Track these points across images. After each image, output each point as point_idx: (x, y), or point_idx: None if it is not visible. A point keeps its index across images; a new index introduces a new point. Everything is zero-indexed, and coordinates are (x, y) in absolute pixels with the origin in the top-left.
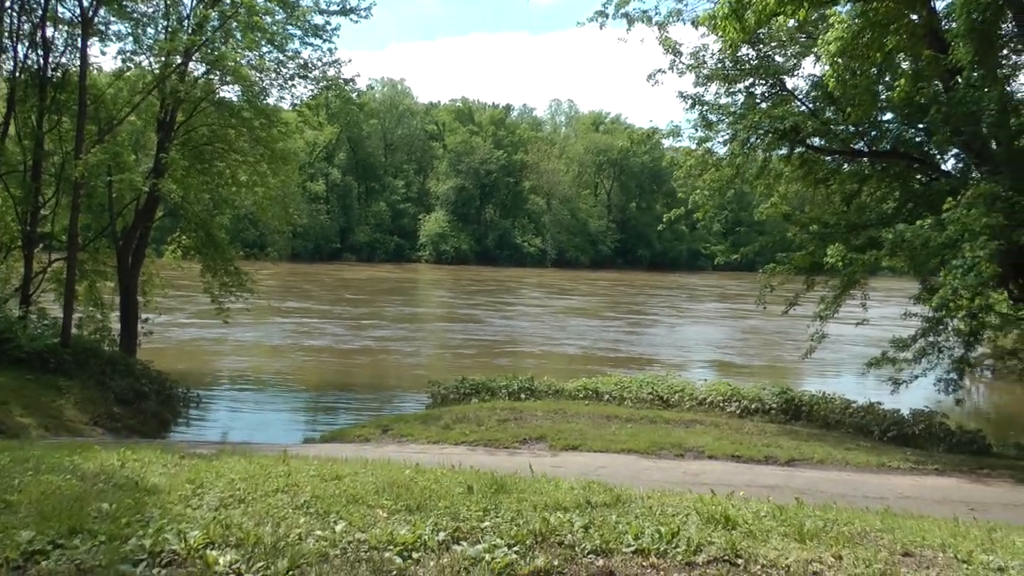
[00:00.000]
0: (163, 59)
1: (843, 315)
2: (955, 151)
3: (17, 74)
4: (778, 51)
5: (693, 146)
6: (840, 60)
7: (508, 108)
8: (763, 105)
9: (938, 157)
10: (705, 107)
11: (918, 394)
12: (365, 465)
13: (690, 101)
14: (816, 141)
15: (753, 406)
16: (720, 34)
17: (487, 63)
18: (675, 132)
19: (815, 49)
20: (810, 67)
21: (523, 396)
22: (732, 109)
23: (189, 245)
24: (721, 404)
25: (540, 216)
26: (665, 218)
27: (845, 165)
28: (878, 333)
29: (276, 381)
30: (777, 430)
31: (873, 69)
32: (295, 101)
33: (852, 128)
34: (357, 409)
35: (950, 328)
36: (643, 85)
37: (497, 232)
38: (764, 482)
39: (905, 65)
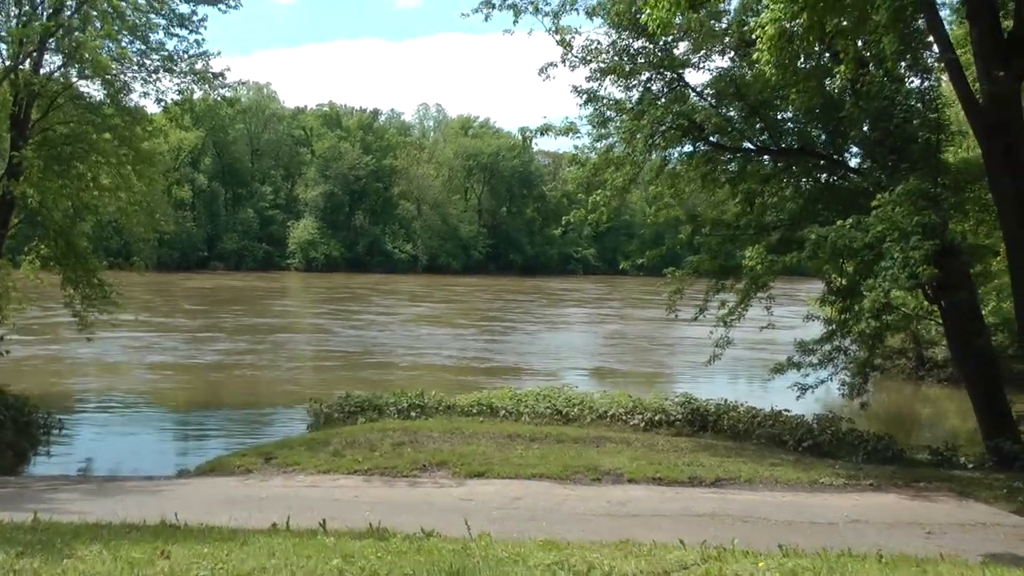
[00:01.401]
0: (15, 48)
1: (708, 318)
2: (860, 150)
3: None
4: (676, 45)
5: (586, 144)
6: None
7: (376, 113)
8: (661, 101)
9: (846, 155)
10: (600, 103)
11: (800, 397)
12: (271, 552)
13: (584, 96)
14: (717, 139)
15: (657, 418)
16: (649, 10)
17: (352, 69)
18: (571, 128)
19: (753, 34)
20: (717, 61)
21: (413, 414)
22: (629, 105)
23: (48, 255)
24: (624, 417)
25: (411, 222)
26: (564, 221)
27: (747, 165)
28: (749, 336)
29: (134, 402)
30: (691, 445)
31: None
32: (160, 97)
33: (759, 124)
34: (228, 431)
35: (855, 331)
36: (511, 89)
37: (368, 238)
38: (699, 509)
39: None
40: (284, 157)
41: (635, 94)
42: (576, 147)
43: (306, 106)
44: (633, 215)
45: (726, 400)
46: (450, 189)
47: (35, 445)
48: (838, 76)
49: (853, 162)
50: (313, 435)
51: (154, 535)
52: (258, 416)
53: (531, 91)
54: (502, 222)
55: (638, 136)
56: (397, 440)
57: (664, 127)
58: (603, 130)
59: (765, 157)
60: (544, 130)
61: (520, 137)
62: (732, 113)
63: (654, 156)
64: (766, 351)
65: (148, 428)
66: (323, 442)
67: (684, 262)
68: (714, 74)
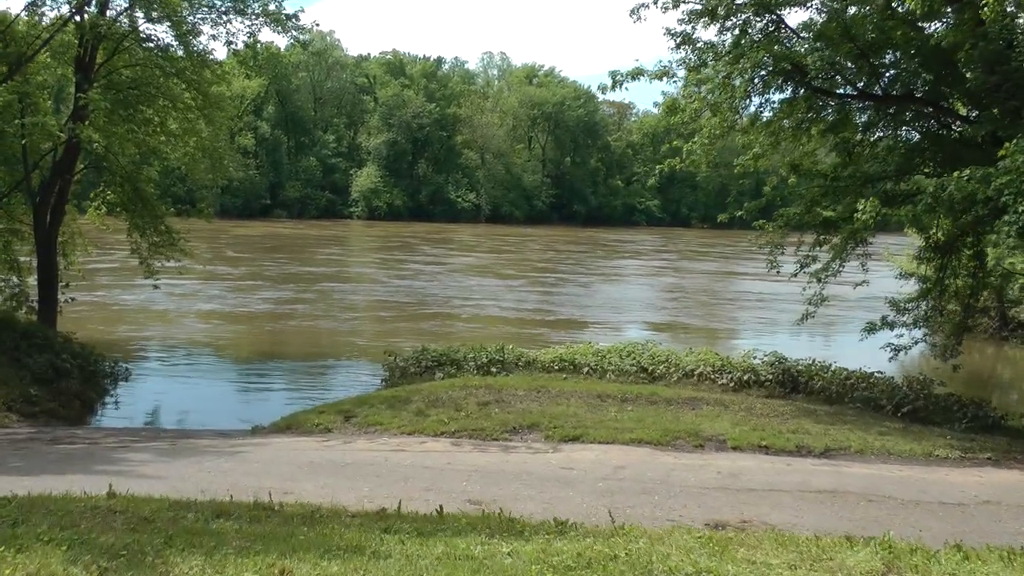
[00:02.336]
0: None
1: (760, 271)
2: (970, 97)
3: None
4: None
5: (678, 88)
6: None
7: (440, 61)
8: (758, 43)
9: (960, 102)
10: (694, 47)
11: (868, 356)
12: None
13: (678, 39)
14: (819, 84)
15: (746, 378)
16: None
17: (416, 17)
18: (665, 72)
19: None
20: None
21: (494, 370)
22: (724, 49)
23: (114, 201)
24: (712, 376)
25: (474, 171)
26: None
27: (848, 112)
28: (799, 290)
29: (193, 351)
30: (790, 409)
31: None
32: (231, 39)
33: (865, 68)
34: (293, 383)
35: (950, 290)
36: (576, 38)
37: (431, 187)
38: (817, 484)
39: None
40: (347, 105)
41: (728, 37)
42: (664, 93)
43: (369, 54)
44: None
45: (813, 360)
46: (514, 138)
47: (102, 395)
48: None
49: (963, 110)
50: (393, 392)
51: (251, 520)
52: (322, 368)
53: (596, 40)
54: (566, 172)
55: (737, 81)
56: (482, 399)
57: (764, 71)
58: (697, 75)
59: (866, 104)
60: (636, 74)
61: (605, 83)
62: (837, 57)
63: (753, 102)
64: (832, 307)
65: (211, 378)
66: (404, 400)
67: (775, 214)
68: (819, 13)
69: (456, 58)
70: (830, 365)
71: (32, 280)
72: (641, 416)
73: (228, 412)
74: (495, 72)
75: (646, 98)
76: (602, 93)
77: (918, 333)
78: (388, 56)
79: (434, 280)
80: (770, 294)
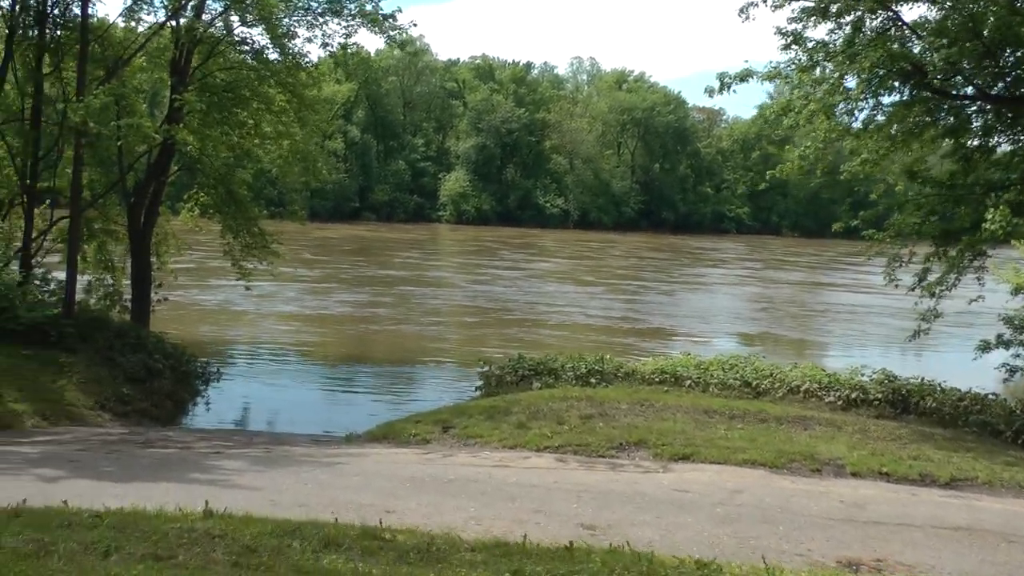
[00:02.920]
0: None
1: (850, 282)
2: None
3: (16, 9)
4: None
5: (782, 91)
6: None
7: (529, 66)
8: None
9: None
10: (805, 46)
11: (1008, 380)
12: None
13: (789, 38)
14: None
15: (854, 396)
16: None
17: (504, 22)
18: (776, 73)
19: None
20: None
21: (593, 381)
22: (836, 48)
23: (207, 203)
24: (819, 393)
25: (562, 176)
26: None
27: (969, 115)
28: (893, 303)
29: (278, 352)
30: (908, 433)
31: None
32: (327, 41)
33: (992, 68)
34: (381, 388)
35: None
36: (666, 43)
37: (519, 192)
38: (949, 520)
39: None
40: (436, 110)
41: (840, 36)
42: (770, 95)
43: (459, 59)
44: (787, 174)
45: (922, 378)
46: (603, 144)
47: (193, 395)
48: None
49: None
50: (491, 402)
51: (362, 554)
52: (409, 374)
53: (685, 44)
54: (655, 178)
55: (852, 82)
56: (585, 412)
57: (881, 71)
58: (809, 76)
59: (986, 107)
60: (744, 76)
61: (712, 86)
62: (960, 56)
63: (868, 104)
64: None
65: (298, 381)
66: (503, 411)
67: (886, 223)
68: (938, 9)
69: (545, 63)
70: (938, 384)
71: (125, 280)
72: (752, 435)
73: (317, 417)
74: (584, 77)
75: (736, 104)
76: (709, 96)
77: None
78: (477, 61)
79: (513, 285)
80: (861, 306)
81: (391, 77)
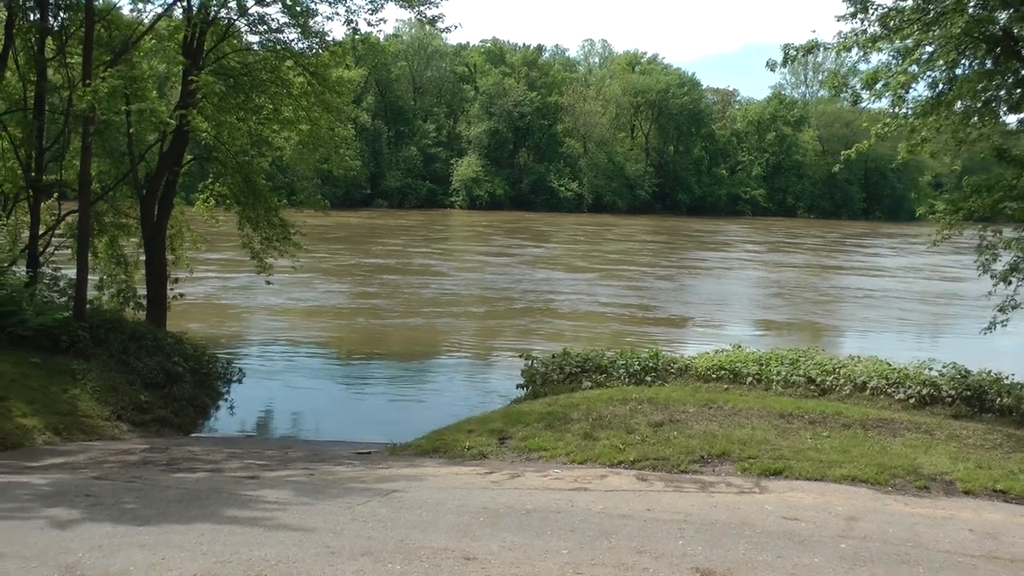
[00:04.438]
0: None
1: (854, 266)
2: None
3: None
4: None
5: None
6: None
7: (540, 48)
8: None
9: None
10: (873, 13)
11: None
12: None
13: (857, 5)
14: None
15: (925, 392)
16: None
17: (515, 5)
18: (845, 45)
19: None
20: None
21: (648, 379)
22: (911, 15)
23: (224, 193)
24: (887, 391)
25: (576, 160)
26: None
27: None
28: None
29: (284, 346)
30: (1002, 437)
31: None
32: (351, 17)
33: None
34: (407, 385)
35: None
36: (678, 24)
37: (532, 176)
38: None
39: None
40: (447, 94)
41: (908, 2)
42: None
43: (469, 43)
44: (805, 155)
45: (989, 372)
46: (616, 127)
47: (215, 399)
48: None
49: None
50: (545, 406)
51: None
52: (434, 369)
53: (697, 26)
54: (669, 161)
55: (931, 50)
56: (652, 418)
57: (971, 37)
58: (880, 46)
59: None
60: (811, 48)
61: (774, 60)
62: None
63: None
64: (938, 304)
65: (317, 379)
66: (562, 417)
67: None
68: None
69: (557, 46)
70: (1005, 377)
71: (139, 276)
72: (842, 445)
73: (347, 418)
74: (596, 60)
75: (749, 86)
76: (771, 70)
77: None
78: (488, 44)
79: (521, 274)
80: (878, 290)
81: (401, 62)
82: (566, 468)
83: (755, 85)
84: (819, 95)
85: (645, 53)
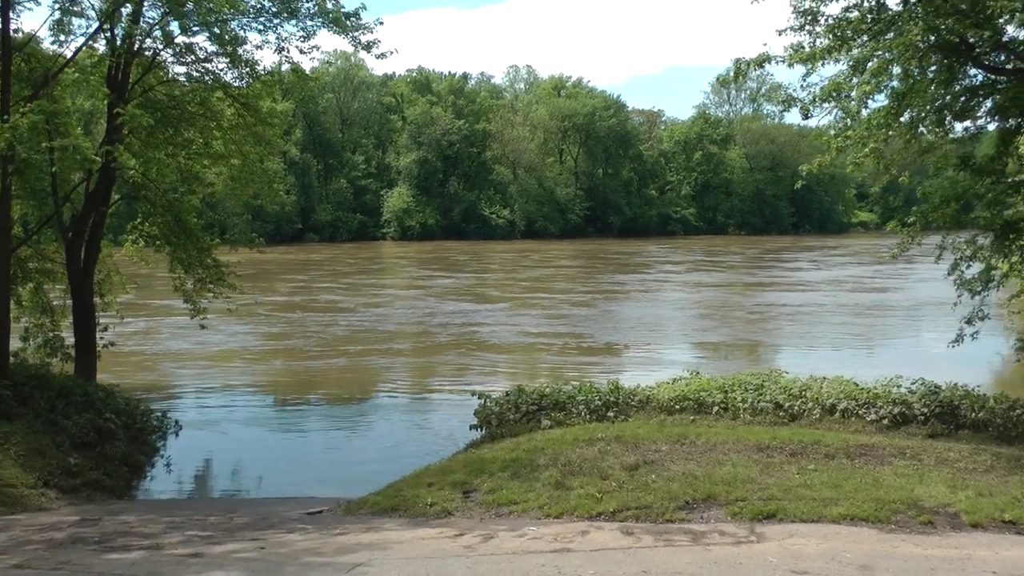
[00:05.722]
0: None
1: (776, 281)
2: None
3: None
4: None
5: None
6: None
7: (466, 76)
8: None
9: None
10: (823, 22)
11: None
12: None
13: (806, 17)
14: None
15: (896, 411)
16: None
17: (436, 37)
18: (801, 56)
19: None
20: None
21: (611, 414)
22: (857, 24)
23: (153, 233)
24: (858, 412)
25: (506, 187)
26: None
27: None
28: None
29: (211, 392)
30: (990, 459)
31: None
32: (283, 45)
33: None
34: (348, 428)
35: None
36: (600, 47)
37: (463, 205)
38: None
39: None
40: (375, 125)
41: (855, 13)
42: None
43: (395, 73)
44: (732, 172)
45: (957, 385)
46: (545, 152)
47: (151, 455)
48: None
49: None
50: (509, 453)
51: None
52: (371, 410)
53: (620, 49)
54: (599, 184)
55: (881, 61)
56: (624, 460)
57: (925, 45)
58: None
59: None
60: (762, 61)
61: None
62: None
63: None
64: (872, 315)
65: (252, 426)
66: (527, 464)
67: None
68: None
69: (482, 73)
70: (972, 390)
71: (66, 323)
72: (832, 479)
73: (290, 469)
74: (522, 86)
75: (673, 105)
76: (723, 86)
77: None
78: (414, 74)
79: (420, 307)
80: (806, 305)
81: (327, 94)
82: (541, 524)
83: (679, 105)
84: (743, 112)
85: (570, 77)
